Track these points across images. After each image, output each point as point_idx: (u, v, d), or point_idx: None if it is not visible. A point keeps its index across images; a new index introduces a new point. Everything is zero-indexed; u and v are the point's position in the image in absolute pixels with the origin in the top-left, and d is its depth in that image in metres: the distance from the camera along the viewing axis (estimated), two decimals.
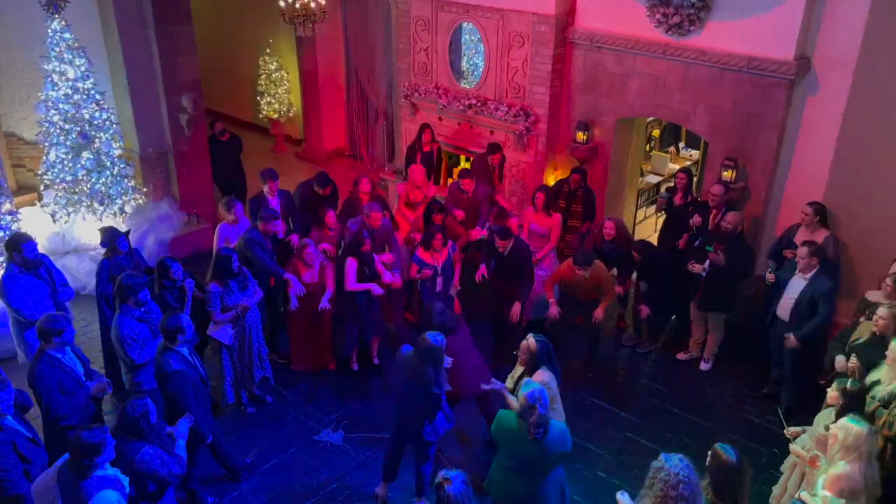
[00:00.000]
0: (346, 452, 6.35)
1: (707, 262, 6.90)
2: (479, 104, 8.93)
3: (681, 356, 7.62)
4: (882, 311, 5.48)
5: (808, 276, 6.32)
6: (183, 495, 5.55)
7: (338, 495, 5.91)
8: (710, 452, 4.06)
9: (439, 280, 7.12)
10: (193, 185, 9.81)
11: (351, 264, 6.78)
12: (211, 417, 5.62)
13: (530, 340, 5.24)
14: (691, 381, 7.31)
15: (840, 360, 5.73)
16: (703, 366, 7.46)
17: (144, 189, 9.19)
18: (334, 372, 7.37)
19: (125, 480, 4.09)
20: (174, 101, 9.31)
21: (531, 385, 4.53)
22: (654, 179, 10.36)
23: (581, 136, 8.43)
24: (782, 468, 5.52)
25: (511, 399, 5.14)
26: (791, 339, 6.36)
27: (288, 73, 12.80)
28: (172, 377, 5.06)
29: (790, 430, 5.30)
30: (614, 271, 7.49)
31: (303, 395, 7.09)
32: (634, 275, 7.58)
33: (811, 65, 6.91)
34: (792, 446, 5.18)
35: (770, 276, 6.69)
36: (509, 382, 5.43)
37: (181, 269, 6.19)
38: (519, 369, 5.43)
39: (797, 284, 6.41)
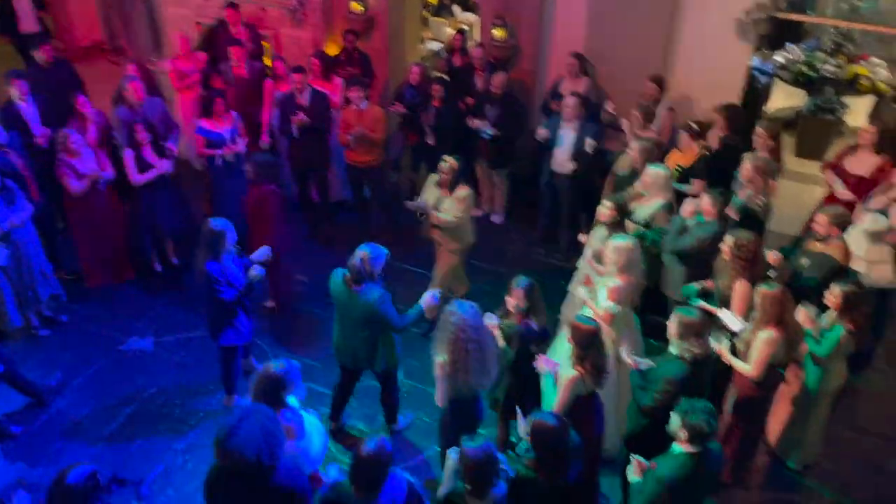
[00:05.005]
0: (159, 356, 6.21)
1: (488, 122, 7.23)
2: None
3: (473, 213, 8.08)
4: (633, 145, 6.16)
5: (575, 124, 6.77)
6: None
7: (158, 399, 5.83)
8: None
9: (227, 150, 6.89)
10: None
11: (128, 155, 6.48)
12: None
13: None
14: (486, 233, 7.72)
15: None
16: (495, 218, 8.04)
17: None
18: (134, 278, 7.07)
19: None
20: None
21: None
22: (436, 46, 10.51)
23: (356, 6, 8.27)
24: (570, 287, 6.20)
25: None
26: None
27: None
28: None
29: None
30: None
31: (101, 307, 6.72)
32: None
33: None
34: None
35: (542, 132, 6.96)
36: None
37: None
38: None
39: (568, 137, 6.81)
